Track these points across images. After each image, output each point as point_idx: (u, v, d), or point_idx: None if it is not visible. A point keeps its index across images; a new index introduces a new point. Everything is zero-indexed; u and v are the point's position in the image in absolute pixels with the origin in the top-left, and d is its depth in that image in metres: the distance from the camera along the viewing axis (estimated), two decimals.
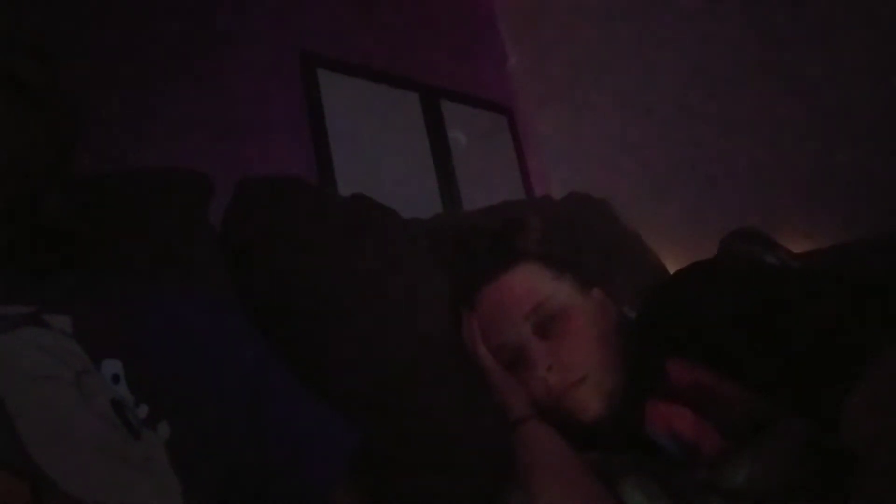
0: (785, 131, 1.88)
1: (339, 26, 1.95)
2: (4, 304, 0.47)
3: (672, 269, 1.26)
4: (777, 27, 1.88)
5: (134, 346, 0.50)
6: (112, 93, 1.34)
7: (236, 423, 0.53)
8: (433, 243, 0.93)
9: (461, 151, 2.16)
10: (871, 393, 0.47)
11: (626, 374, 0.70)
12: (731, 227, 1.03)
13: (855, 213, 1.72)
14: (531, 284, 0.77)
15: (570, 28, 2.34)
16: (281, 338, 0.71)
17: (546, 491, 0.65)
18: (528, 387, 0.73)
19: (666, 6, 2.09)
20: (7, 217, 0.52)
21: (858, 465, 0.43)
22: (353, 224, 0.87)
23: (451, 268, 0.87)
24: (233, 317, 0.63)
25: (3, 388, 0.41)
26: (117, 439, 0.44)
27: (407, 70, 2.08)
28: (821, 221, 1.77)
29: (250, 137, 1.60)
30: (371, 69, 1.97)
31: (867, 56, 1.71)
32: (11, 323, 0.45)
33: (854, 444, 0.45)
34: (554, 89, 2.42)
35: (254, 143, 1.60)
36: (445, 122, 2.15)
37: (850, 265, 1.04)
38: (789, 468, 0.46)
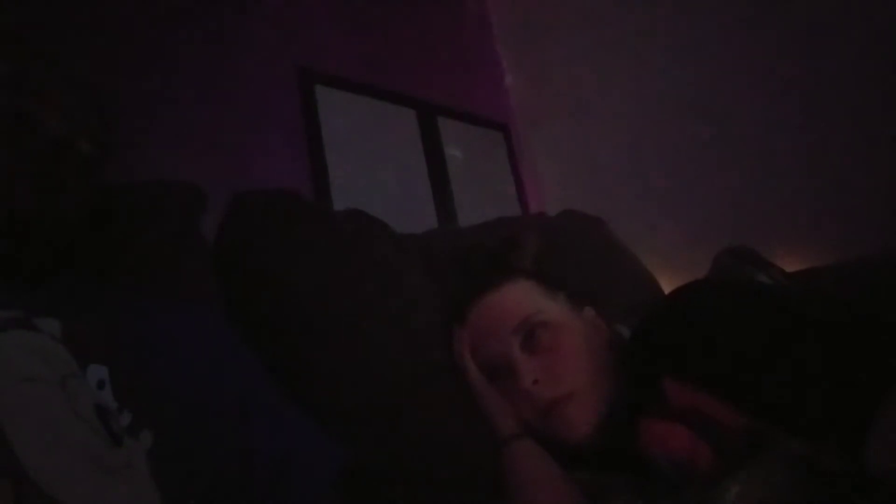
0: (778, 151, 1.90)
1: (337, 43, 1.97)
2: None
3: (666, 287, 1.26)
4: (775, 45, 1.90)
5: (121, 354, 0.50)
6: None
7: (221, 437, 0.53)
8: (428, 259, 0.93)
9: (457, 167, 2.17)
10: None
11: (618, 392, 0.70)
12: (723, 245, 1.03)
13: (847, 233, 1.73)
14: (522, 300, 0.77)
15: (567, 47, 2.37)
16: (272, 352, 0.71)
17: None
18: (515, 402, 0.73)
19: (664, 28, 2.12)
20: (9, 225, 0.53)
21: (880, 491, 0.43)
22: (347, 239, 0.87)
23: (444, 283, 0.88)
24: (222, 330, 0.62)
25: None
26: (99, 445, 0.43)
27: (404, 87, 2.10)
28: (813, 240, 1.78)
29: (247, 152, 1.61)
30: (369, 86, 1.98)
31: (865, 73, 1.73)
32: (0, 325, 0.45)
33: (880, 468, 0.45)
34: (550, 108, 2.44)
35: (251, 158, 1.61)
36: (442, 138, 2.17)
37: (842, 284, 1.04)
38: (783, 489, 0.46)
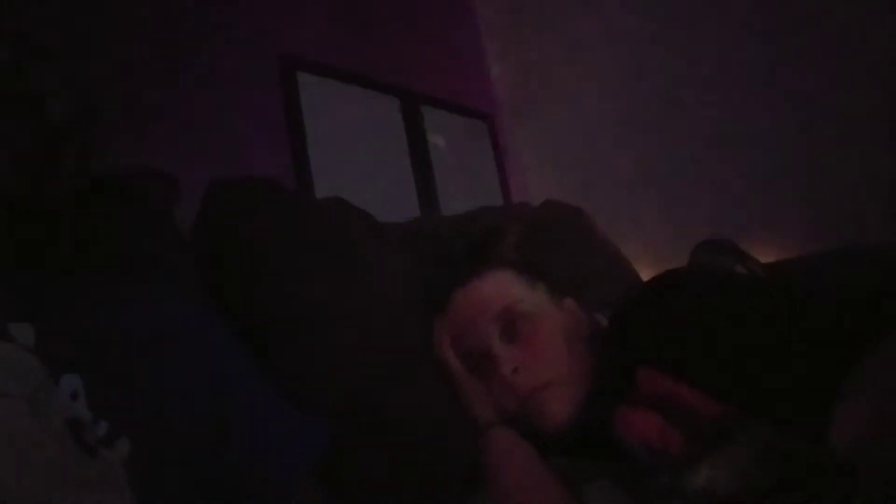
0: (754, 144, 1.93)
1: (320, 30, 1.95)
2: None
3: (646, 277, 1.28)
4: (758, 37, 1.92)
5: (95, 360, 0.50)
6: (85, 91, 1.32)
7: (200, 434, 0.53)
8: (410, 247, 0.93)
9: (440, 155, 2.16)
10: (864, 401, 0.49)
11: (597, 381, 0.71)
12: (703, 236, 1.05)
13: (822, 224, 1.76)
14: (502, 290, 0.78)
15: (552, 38, 2.37)
16: (252, 342, 0.71)
17: (510, 497, 0.65)
18: (494, 390, 0.74)
19: (649, 21, 2.13)
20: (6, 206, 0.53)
21: (845, 471, 0.45)
22: (327, 227, 0.87)
23: (426, 272, 0.88)
24: (199, 319, 0.62)
25: None
26: (70, 460, 0.43)
27: (388, 75, 2.08)
28: (788, 232, 1.82)
29: (228, 139, 1.59)
30: (352, 73, 1.97)
31: (841, 68, 1.76)
32: None
33: (846, 451, 0.47)
34: (534, 98, 2.45)
35: (231, 145, 1.59)
36: (426, 126, 2.16)
37: (817, 275, 1.07)
38: (749, 470, 0.47)
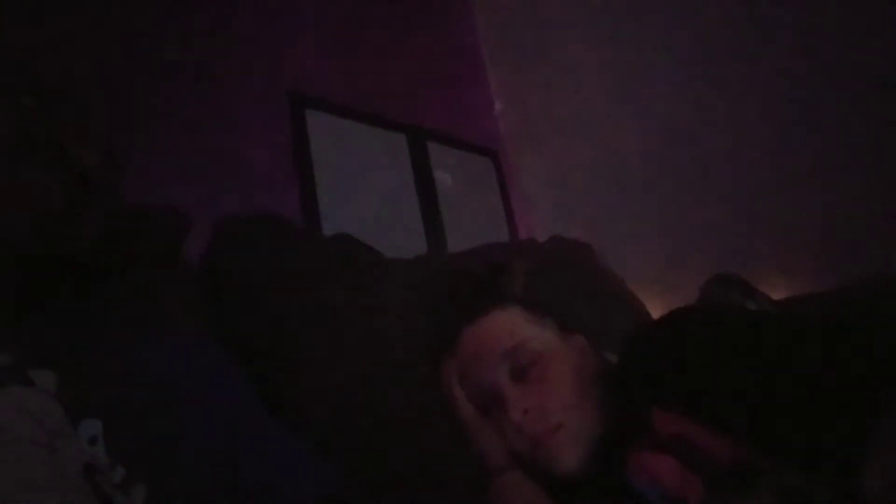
0: (764, 180, 1.92)
1: (328, 68, 1.99)
2: None
3: (654, 313, 1.27)
4: (760, 71, 1.93)
5: (114, 405, 0.50)
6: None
7: (214, 480, 0.52)
8: (416, 285, 0.93)
9: (447, 192, 2.18)
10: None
11: (607, 422, 0.69)
12: (712, 271, 1.04)
13: (832, 261, 1.74)
14: (510, 328, 0.77)
15: (556, 75, 2.41)
16: (260, 377, 0.70)
17: None
18: (503, 432, 0.72)
19: (651, 56, 2.16)
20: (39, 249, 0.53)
21: None
22: (334, 264, 0.86)
23: (433, 310, 0.87)
24: (211, 358, 0.62)
25: None
26: None
27: (395, 112, 2.11)
28: (799, 268, 1.80)
29: (238, 176, 1.61)
30: (360, 110, 2.00)
31: (855, 96, 1.75)
32: None
33: (879, 496, 0.45)
34: (539, 135, 2.47)
35: (241, 182, 1.60)
36: (432, 163, 2.18)
37: (828, 312, 1.05)
38: None
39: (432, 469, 0.74)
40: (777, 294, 1.24)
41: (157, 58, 1.54)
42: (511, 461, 0.71)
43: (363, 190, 1.91)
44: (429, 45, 2.41)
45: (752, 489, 0.48)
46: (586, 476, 0.68)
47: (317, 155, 1.81)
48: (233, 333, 0.77)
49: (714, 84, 2.02)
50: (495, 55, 2.61)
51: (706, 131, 2.02)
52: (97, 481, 0.44)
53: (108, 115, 1.39)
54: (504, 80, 2.59)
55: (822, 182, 1.80)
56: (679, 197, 2.08)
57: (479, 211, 2.32)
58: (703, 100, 2.03)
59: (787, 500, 0.47)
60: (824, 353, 0.58)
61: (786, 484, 0.48)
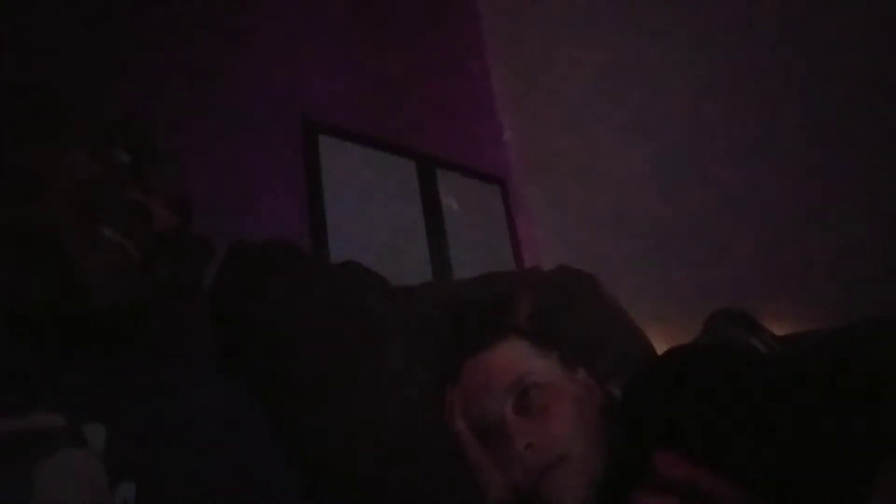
0: (773, 213, 1.92)
1: (341, 95, 2.02)
2: (41, 409, 0.47)
3: (658, 346, 1.26)
4: (772, 104, 1.94)
5: (149, 468, 0.50)
6: None
7: None
8: (422, 314, 0.93)
9: (453, 218, 2.19)
10: None
11: (611, 457, 0.69)
12: (717, 305, 1.04)
13: (838, 298, 1.73)
14: (515, 360, 0.77)
15: (565, 105, 2.44)
16: (267, 405, 0.70)
17: None
18: (506, 464, 0.72)
19: (660, 89, 2.19)
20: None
21: None
22: (342, 293, 0.87)
23: (438, 340, 0.87)
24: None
25: None
26: None
27: (405, 138, 2.15)
28: (803, 304, 1.79)
29: (249, 200, 1.63)
30: (370, 136, 2.03)
31: (864, 132, 1.74)
32: (53, 444, 0.46)
33: None
34: (547, 164, 2.49)
35: (252, 206, 1.62)
36: (440, 189, 2.20)
37: (832, 350, 1.05)
38: None
39: (440, 500, 0.73)
40: (784, 328, 1.24)
41: (167, 82, 1.57)
42: (512, 495, 0.71)
43: (372, 214, 1.93)
44: (441, 73, 2.46)
45: None
46: None
47: (327, 180, 1.83)
48: (239, 360, 0.77)
49: (725, 119, 2.03)
50: (505, 85, 2.65)
51: (717, 167, 2.02)
52: None
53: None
54: (514, 109, 2.62)
55: (833, 221, 1.79)
56: (686, 231, 2.08)
57: (485, 237, 2.33)
58: (715, 136, 2.03)
59: None
60: (831, 394, 0.58)
61: None
